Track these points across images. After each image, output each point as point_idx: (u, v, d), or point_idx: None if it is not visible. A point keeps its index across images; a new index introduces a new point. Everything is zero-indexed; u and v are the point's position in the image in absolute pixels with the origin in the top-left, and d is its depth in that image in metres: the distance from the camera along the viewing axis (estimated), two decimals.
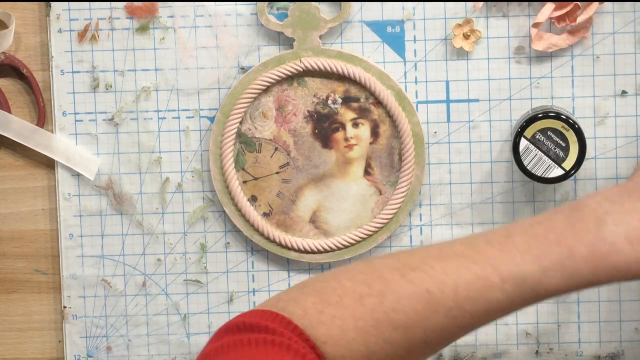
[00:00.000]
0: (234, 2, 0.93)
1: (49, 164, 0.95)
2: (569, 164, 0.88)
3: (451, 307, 0.66)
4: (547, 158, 0.88)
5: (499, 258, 0.67)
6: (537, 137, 0.88)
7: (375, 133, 0.93)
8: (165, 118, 0.94)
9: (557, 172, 0.88)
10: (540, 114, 0.88)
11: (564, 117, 0.87)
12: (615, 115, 0.93)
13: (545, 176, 0.89)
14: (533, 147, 0.88)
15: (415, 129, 0.92)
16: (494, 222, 0.94)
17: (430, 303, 0.66)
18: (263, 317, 0.66)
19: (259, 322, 0.66)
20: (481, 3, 0.92)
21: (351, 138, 0.93)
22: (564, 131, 0.88)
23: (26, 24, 0.94)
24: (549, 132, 0.88)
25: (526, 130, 0.88)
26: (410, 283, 0.67)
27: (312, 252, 0.94)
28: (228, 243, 0.96)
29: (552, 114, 0.88)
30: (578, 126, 0.87)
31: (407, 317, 0.66)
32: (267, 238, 0.94)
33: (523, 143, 0.88)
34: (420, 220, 0.95)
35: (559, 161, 0.88)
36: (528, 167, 0.88)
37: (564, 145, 0.88)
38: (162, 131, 0.95)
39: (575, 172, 0.88)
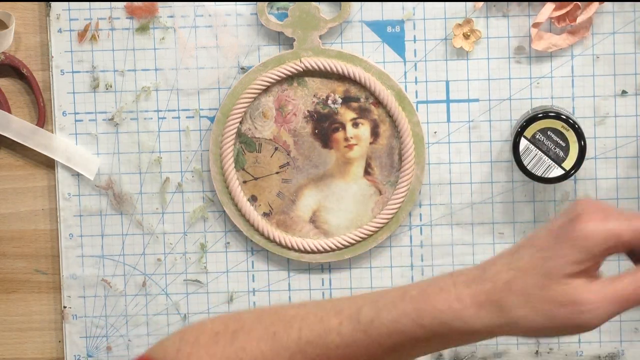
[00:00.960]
0: (234, 2, 0.93)
1: (49, 164, 0.95)
2: (569, 163, 0.88)
3: (294, 351, 0.68)
4: (547, 158, 0.88)
5: (344, 303, 0.68)
6: (537, 137, 0.88)
7: (375, 133, 0.93)
8: (165, 118, 0.94)
9: (557, 172, 0.88)
10: (540, 113, 0.88)
11: (564, 117, 0.87)
12: (615, 115, 0.93)
13: (545, 176, 0.89)
14: (533, 147, 0.88)
15: (415, 129, 0.92)
16: (494, 222, 0.94)
17: (275, 345, 0.68)
18: None
19: None
20: (481, 3, 0.92)
21: (351, 138, 0.93)
22: (564, 131, 0.88)
23: (26, 24, 0.94)
24: (549, 132, 0.88)
25: (526, 130, 0.88)
26: (260, 325, 0.69)
27: (312, 252, 0.94)
28: (228, 243, 0.96)
29: (552, 114, 0.88)
30: (578, 126, 0.87)
31: (254, 357, 0.67)
32: (267, 238, 0.94)
33: (523, 143, 0.88)
34: (420, 220, 0.95)
35: (559, 161, 0.88)
36: (528, 167, 0.88)
37: (564, 145, 0.88)
38: (162, 131, 0.95)
39: (575, 172, 0.88)
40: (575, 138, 0.88)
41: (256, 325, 0.69)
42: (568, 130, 0.88)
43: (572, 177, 0.89)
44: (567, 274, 0.64)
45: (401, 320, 0.66)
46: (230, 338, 0.68)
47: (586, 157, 0.89)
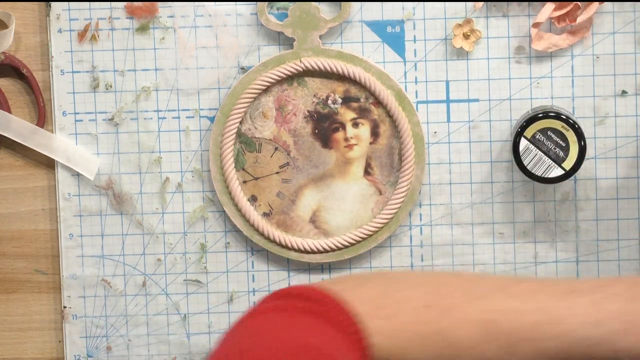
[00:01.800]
0: (234, 2, 0.93)
1: (49, 164, 0.96)
2: (569, 163, 0.88)
3: (505, 344, 0.68)
4: (547, 158, 0.88)
5: (566, 312, 0.68)
6: (537, 137, 0.88)
7: (375, 133, 0.93)
8: (165, 118, 0.94)
9: (557, 172, 0.88)
10: (540, 113, 0.88)
11: (564, 117, 0.87)
12: (615, 115, 0.93)
13: (545, 176, 0.88)
14: (533, 147, 0.88)
15: (415, 129, 0.92)
16: (494, 222, 0.94)
17: (487, 334, 0.68)
18: (319, 293, 0.67)
19: (313, 295, 0.66)
20: (481, 3, 0.92)
21: (351, 138, 0.93)
22: (564, 131, 0.88)
23: (26, 24, 0.94)
24: (549, 132, 0.88)
25: (526, 130, 0.88)
26: (475, 310, 0.68)
27: (312, 252, 0.94)
28: (228, 243, 0.96)
29: (552, 114, 0.88)
30: (578, 126, 0.87)
31: (460, 340, 0.68)
32: (267, 238, 0.94)
33: (523, 143, 0.88)
34: (420, 220, 0.95)
35: (559, 161, 0.88)
36: (528, 167, 0.88)
37: (564, 145, 0.88)
38: (162, 131, 0.95)
39: (576, 172, 0.88)
40: (575, 138, 0.88)
41: (468, 308, 0.68)
42: (568, 130, 0.88)
43: (572, 177, 0.89)
44: None
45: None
46: (440, 315, 0.68)
47: (586, 157, 0.89)
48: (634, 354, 0.67)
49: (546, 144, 0.88)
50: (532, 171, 0.89)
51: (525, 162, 0.88)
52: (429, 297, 0.69)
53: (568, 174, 0.88)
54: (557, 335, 0.68)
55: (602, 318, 0.68)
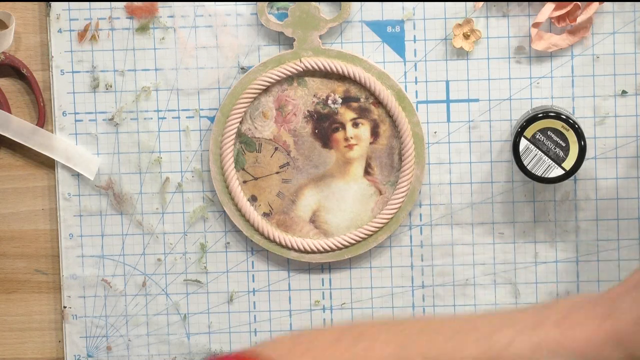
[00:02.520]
0: (234, 2, 0.93)
1: (49, 164, 0.96)
2: (569, 164, 0.88)
3: None
4: (547, 158, 0.88)
5: (472, 322, 0.67)
6: (537, 137, 0.88)
7: (375, 133, 0.93)
8: (165, 118, 0.94)
9: (557, 172, 0.88)
10: (540, 113, 0.88)
11: (564, 117, 0.87)
12: (615, 115, 0.93)
13: (545, 176, 0.88)
14: (533, 147, 0.88)
15: (415, 129, 0.92)
16: (494, 222, 0.94)
17: (403, 354, 0.67)
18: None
19: None
20: (481, 3, 0.92)
21: (351, 138, 0.93)
22: (564, 131, 0.88)
23: (26, 24, 0.94)
24: (549, 132, 0.88)
25: (526, 130, 0.88)
26: (386, 333, 0.67)
27: (312, 252, 0.94)
28: (228, 243, 0.96)
29: (552, 114, 0.88)
30: (578, 126, 0.87)
31: (382, 357, 0.66)
32: (267, 238, 0.94)
33: (523, 143, 0.88)
34: (420, 220, 0.95)
35: (559, 161, 0.88)
36: (528, 167, 0.88)
37: (564, 145, 0.88)
38: (162, 131, 0.95)
39: (575, 172, 0.88)
40: (575, 138, 0.88)
41: (380, 332, 0.67)
42: (568, 130, 0.88)
43: (572, 177, 0.89)
44: None
45: (537, 350, 0.65)
46: (353, 341, 0.67)
47: (586, 157, 0.89)
48: None
49: (546, 144, 0.88)
50: (532, 171, 0.88)
51: (525, 162, 0.88)
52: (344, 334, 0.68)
53: (568, 174, 0.88)
54: None
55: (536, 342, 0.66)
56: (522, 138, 0.88)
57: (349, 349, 0.67)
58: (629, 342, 0.64)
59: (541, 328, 0.65)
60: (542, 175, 0.89)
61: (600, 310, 0.65)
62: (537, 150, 0.88)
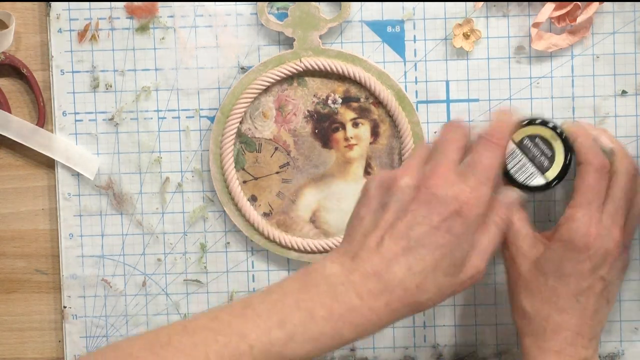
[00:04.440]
0: (234, 2, 0.93)
1: (49, 164, 0.96)
2: (552, 174, 0.87)
3: None
4: (531, 165, 0.87)
5: (243, 326, 0.70)
6: (525, 142, 0.87)
7: (375, 133, 0.93)
8: (165, 118, 0.94)
9: (539, 180, 0.87)
10: (533, 119, 0.87)
11: (552, 126, 0.86)
12: (616, 115, 0.93)
13: (527, 184, 0.87)
14: (519, 151, 0.87)
15: (415, 129, 0.92)
16: None
17: None
18: None
19: None
20: (481, 3, 0.92)
21: (351, 138, 0.93)
22: (552, 141, 0.87)
23: (26, 24, 0.94)
24: (537, 139, 0.87)
25: (515, 134, 0.87)
26: (161, 359, 0.68)
27: (312, 252, 0.94)
28: (228, 243, 0.96)
29: (539, 121, 0.87)
30: (566, 137, 0.86)
31: None
32: (267, 238, 0.94)
33: (510, 146, 0.87)
34: None
35: (542, 170, 0.87)
36: (511, 172, 0.87)
37: (550, 154, 0.87)
38: (162, 131, 0.95)
39: (558, 183, 0.87)
40: (562, 149, 0.87)
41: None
42: (556, 140, 0.87)
43: (572, 177, 0.89)
44: (465, 259, 0.73)
45: (320, 338, 0.70)
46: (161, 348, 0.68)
47: None
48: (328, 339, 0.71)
49: (532, 151, 0.87)
50: (514, 176, 0.87)
51: (509, 166, 0.87)
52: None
53: (549, 185, 0.87)
54: (250, 348, 0.68)
55: (283, 316, 0.70)
56: (510, 141, 0.87)
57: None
58: (417, 303, 0.72)
59: (314, 323, 0.71)
60: (523, 182, 0.87)
61: (373, 289, 0.71)
62: (523, 155, 0.87)
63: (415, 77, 0.93)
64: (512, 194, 0.79)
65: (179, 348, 0.69)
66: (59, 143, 0.94)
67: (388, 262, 0.72)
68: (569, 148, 0.86)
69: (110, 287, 0.96)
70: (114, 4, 0.93)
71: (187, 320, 0.72)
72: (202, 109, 0.94)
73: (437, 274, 0.72)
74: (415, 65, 0.93)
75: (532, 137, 0.87)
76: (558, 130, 0.86)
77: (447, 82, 0.93)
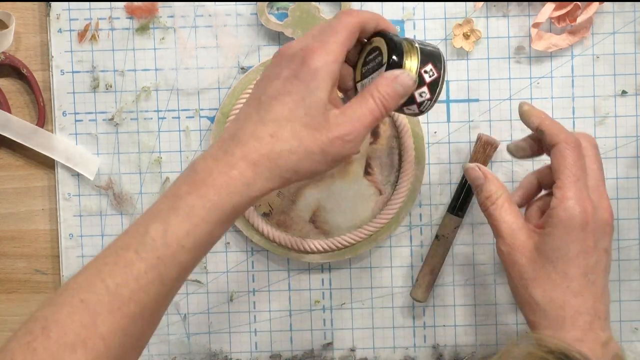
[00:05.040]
0: (234, 2, 0.93)
1: (49, 164, 0.96)
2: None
3: (110, 301, 0.69)
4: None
5: (127, 238, 0.72)
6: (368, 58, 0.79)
7: (375, 133, 0.93)
8: (165, 118, 0.94)
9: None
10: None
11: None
12: (615, 115, 0.93)
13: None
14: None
15: (415, 129, 0.92)
16: None
17: (90, 309, 0.69)
18: None
19: None
20: (481, 3, 0.92)
21: None
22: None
23: (26, 24, 0.94)
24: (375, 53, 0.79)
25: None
26: (61, 305, 0.69)
27: (312, 252, 0.94)
28: (228, 243, 0.96)
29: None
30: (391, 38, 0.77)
31: (75, 333, 0.68)
32: (267, 238, 0.94)
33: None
34: (420, 220, 0.95)
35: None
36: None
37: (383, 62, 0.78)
38: (162, 131, 0.95)
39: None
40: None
41: (56, 308, 0.69)
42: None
43: None
44: (323, 111, 0.73)
45: (201, 224, 0.71)
46: (44, 337, 0.68)
47: None
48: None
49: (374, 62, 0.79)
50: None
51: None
52: (26, 336, 0.69)
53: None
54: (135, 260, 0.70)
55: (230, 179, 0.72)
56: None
57: (44, 346, 0.68)
58: (282, 166, 0.73)
59: (198, 209, 0.72)
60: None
61: (227, 146, 0.73)
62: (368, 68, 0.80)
63: None
64: (397, 72, 0.75)
65: (86, 284, 0.70)
66: (59, 143, 0.94)
67: (242, 122, 0.74)
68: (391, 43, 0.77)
69: None
70: (114, 4, 0.93)
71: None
72: (202, 109, 0.94)
73: (293, 124, 0.73)
74: None
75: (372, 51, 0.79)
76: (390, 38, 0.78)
77: (447, 82, 0.93)
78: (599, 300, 0.78)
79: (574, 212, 0.77)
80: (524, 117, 0.82)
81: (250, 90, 0.92)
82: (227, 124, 0.76)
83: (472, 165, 0.83)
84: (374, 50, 0.78)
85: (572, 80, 0.93)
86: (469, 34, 0.92)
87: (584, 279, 0.77)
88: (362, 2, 0.92)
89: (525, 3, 0.92)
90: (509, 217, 0.81)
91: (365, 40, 0.79)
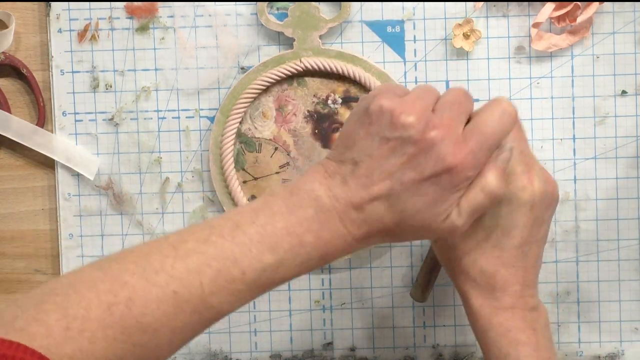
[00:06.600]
0: (234, 2, 0.93)
1: (49, 164, 0.96)
2: None
3: (197, 305, 0.68)
4: None
5: (235, 251, 0.69)
6: None
7: None
8: (165, 118, 0.94)
9: None
10: None
11: None
12: (615, 115, 0.93)
13: None
14: None
15: None
16: None
17: (178, 303, 0.68)
18: (1, 347, 0.65)
19: None
20: (481, 3, 0.92)
21: None
22: None
23: (26, 24, 0.94)
24: None
25: None
26: (156, 286, 0.68)
27: None
28: None
29: None
30: None
31: (155, 319, 0.67)
32: None
33: None
34: None
35: None
36: None
37: None
38: (162, 131, 0.95)
39: None
40: None
41: (149, 287, 0.68)
42: None
43: (572, 177, 0.89)
44: (446, 213, 0.73)
45: (308, 262, 0.71)
46: (127, 307, 0.67)
47: (586, 157, 0.88)
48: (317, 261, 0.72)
49: None
50: None
51: None
52: (108, 295, 0.67)
53: None
54: (242, 274, 0.69)
55: (273, 242, 0.70)
56: None
57: (124, 315, 0.67)
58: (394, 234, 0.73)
59: (302, 247, 0.71)
60: None
61: (356, 220, 0.72)
62: None
63: (415, 77, 0.93)
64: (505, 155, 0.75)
65: (172, 274, 0.68)
66: (59, 143, 0.94)
67: (371, 198, 0.72)
68: None
69: None
70: (114, 4, 0.93)
71: (174, 238, 0.71)
72: (202, 109, 0.94)
73: (415, 219, 0.72)
74: (415, 65, 0.93)
75: None
76: None
77: (447, 82, 0.93)
78: (529, 270, 0.78)
79: (516, 188, 0.77)
80: None
81: (250, 91, 0.92)
82: (354, 166, 0.74)
83: None
84: None
85: (572, 80, 0.93)
86: (469, 34, 0.92)
87: (518, 251, 0.77)
88: (362, 2, 0.92)
89: (525, 3, 0.92)
90: None
91: None
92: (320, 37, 0.92)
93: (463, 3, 0.92)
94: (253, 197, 0.94)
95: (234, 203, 0.93)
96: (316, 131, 0.93)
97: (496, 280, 0.77)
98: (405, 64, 0.93)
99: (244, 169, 0.94)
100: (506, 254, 0.77)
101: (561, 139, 0.93)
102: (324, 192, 0.72)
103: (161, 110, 0.94)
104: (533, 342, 0.77)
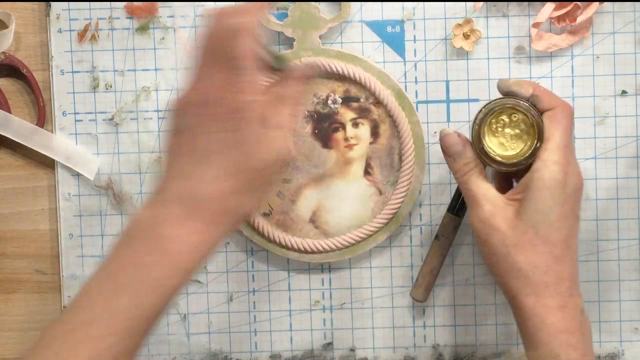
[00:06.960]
0: (234, 2, 0.93)
1: (49, 164, 0.96)
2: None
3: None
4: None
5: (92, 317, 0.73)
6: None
7: (375, 133, 0.93)
8: (165, 118, 0.94)
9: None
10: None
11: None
12: (615, 115, 0.93)
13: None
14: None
15: (415, 129, 0.92)
16: None
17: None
18: None
19: None
20: (481, 3, 0.92)
21: (351, 138, 0.93)
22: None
23: (26, 24, 0.94)
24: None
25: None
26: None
27: (312, 252, 0.94)
28: (228, 243, 0.96)
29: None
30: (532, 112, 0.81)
31: None
32: (267, 238, 0.94)
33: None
34: (420, 220, 0.95)
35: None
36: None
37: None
38: (162, 131, 0.95)
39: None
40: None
41: None
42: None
43: None
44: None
45: (166, 283, 0.72)
46: None
47: (586, 157, 0.88)
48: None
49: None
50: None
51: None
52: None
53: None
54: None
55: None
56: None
57: None
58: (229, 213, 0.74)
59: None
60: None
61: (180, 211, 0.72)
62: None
63: (415, 77, 0.93)
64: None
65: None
66: (59, 143, 0.94)
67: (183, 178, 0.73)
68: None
69: None
70: (114, 4, 0.93)
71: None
72: None
73: (239, 183, 0.73)
74: (415, 65, 0.93)
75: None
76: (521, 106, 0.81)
77: (447, 82, 0.93)
78: (575, 266, 0.78)
79: (557, 177, 0.77)
80: (515, 87, 0.81)
81: None
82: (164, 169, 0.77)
83: (451, 130, 0.82)
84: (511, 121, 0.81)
85: (572, 80, 0.93)
86: (469, 34, 0.92)
87: (564, 244, 0.78)
88: (362, 2, 0.92)
89: (525, 3, 0.92)
90: (487, 184, 0.80)
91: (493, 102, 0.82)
92: (320, 37, 0.92)
93: (463, 3, 0.92)
94: None
95: None
96: (316, 131, 0.93)
97: (549, 276, 0.77)
98: (405, 64, 0.93)
99: None
100: (556, 248, 0.77)
101: None
102: (149, 212, 0.74)
103: (161, 110, 0.94)
104: (581, 347, 0.77)
